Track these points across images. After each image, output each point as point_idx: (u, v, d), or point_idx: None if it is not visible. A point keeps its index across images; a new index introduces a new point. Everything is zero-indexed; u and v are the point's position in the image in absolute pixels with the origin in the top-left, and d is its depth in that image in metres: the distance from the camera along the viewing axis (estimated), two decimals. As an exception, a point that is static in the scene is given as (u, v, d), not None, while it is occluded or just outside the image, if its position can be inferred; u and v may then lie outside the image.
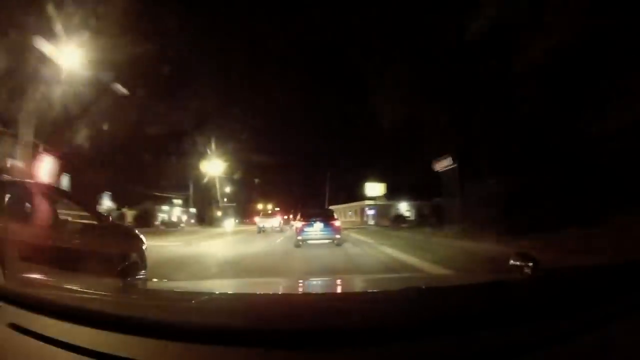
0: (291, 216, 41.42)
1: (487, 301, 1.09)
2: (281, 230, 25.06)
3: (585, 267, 2.10)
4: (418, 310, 1.02)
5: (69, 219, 4.72)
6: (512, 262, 1.36)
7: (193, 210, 42.17)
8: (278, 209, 43.60)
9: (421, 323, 0.94)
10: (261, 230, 24.44)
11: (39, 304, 1.10)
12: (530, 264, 1.31)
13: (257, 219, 29.53)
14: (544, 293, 1.15)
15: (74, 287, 1.29)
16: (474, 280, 1.94)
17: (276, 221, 27.06)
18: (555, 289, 1.20)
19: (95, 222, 4.51)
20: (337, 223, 12.17)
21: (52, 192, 4.82)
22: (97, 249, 3.98)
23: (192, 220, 41.50)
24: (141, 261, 4.70)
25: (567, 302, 1.04)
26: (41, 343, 0.99)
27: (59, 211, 4.36)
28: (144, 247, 4.93)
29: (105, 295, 1.22)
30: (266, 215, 30.00)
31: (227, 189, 47.88)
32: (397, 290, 1.39)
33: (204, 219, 42.43)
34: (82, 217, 5.07)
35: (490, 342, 0.91)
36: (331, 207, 22.29)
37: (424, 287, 1.36)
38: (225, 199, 47.28)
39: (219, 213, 44.34)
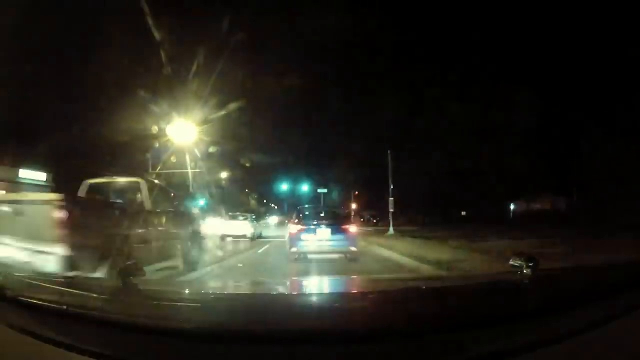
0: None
1: (487, 301, 1.09)
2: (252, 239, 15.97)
3: (585, 267, 2.11)
4: (418, 310, 1.02)
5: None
6: (512, 262, 1.36)
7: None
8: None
9: (421, 323, 0.94)
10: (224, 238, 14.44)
11: (38, 304, 1.10)
12: (531, 264, 1.31)
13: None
14: (543, 293, 1.15)
15: (74, 288, 1.29)
16: (474, 280, 1.95)
17: (245, 226, 16.88)
18: (554, 289, 1.20)
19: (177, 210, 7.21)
20: (352, 228, 8.43)
21: (167, 191, 7.62)
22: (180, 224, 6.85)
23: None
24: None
25: (567, 302, 1.04)
26: (41, 343, 0.99)
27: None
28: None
29: (105, 295, 1.22)
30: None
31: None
32: (397, 290, 1.40)
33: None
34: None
35: (490, 342, 0.91)
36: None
37: (424, 287, 1.36)
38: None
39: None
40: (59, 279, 1.54)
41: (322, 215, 9.19)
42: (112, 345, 0.93)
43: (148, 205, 5.92)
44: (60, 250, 3.72)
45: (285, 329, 0.92)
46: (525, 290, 1.25)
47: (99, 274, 3.91)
